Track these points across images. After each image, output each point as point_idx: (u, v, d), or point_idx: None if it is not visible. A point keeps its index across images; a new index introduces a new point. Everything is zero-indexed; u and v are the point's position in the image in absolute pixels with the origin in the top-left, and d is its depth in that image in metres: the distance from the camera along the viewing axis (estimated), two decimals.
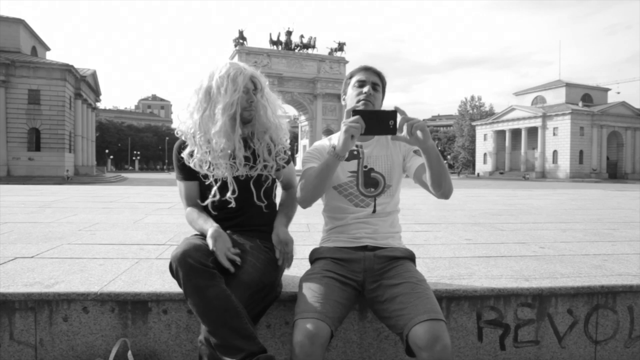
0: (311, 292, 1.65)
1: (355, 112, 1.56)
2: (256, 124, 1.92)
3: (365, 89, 1.82)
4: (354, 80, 1.88)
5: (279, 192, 2.09)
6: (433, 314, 1.53)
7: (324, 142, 1.98)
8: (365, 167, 1.88)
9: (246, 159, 1.88)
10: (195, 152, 1.85)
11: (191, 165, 1.86)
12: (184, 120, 1.88)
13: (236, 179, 1.86)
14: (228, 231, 1.84)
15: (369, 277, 1.77)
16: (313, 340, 1.48)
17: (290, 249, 1.86)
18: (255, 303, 1.69)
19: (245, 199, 1.88)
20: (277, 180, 2.04)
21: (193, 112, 1.84)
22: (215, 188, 1.85)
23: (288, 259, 1.87)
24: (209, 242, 1.68)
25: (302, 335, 1.49)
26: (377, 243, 1.85)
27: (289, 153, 2.03)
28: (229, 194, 1.84)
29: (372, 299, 1.73)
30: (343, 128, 1.57)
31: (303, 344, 1.47)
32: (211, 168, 1.85)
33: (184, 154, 1.88)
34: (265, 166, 1.92)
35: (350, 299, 1.73)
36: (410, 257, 1.88)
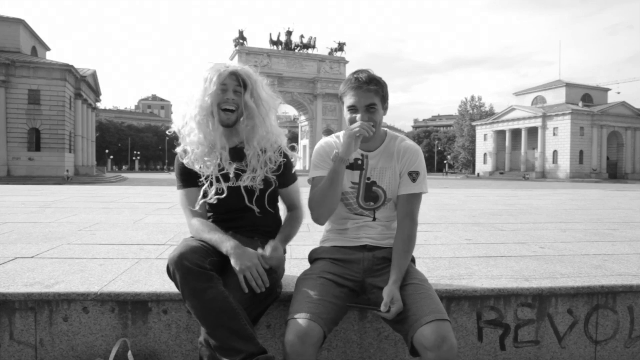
0: (306, 292, 1.65)
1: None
2: (244, 127, 1.83)
3: (358, 117, 1.71)
4: (346, 102, 1.74)
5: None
6: (438, 314, 1.53)
7: (329, 140, 1.88)
8: (368, 179, 1.82)
9: (237, 168, 1.84)
10: (188, 149, 1.85)
11: (184, 162, 1.85)
12: (175, 119, 1.90)
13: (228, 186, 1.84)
14: (230, 232, 1.84)
15: (369, 278, 1.77)
16: (304, 340, 1.47)
17: (254, 273, 1.62)
18: (255, 304, 1.68)
19: (239, 203, 1.86)
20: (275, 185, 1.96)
21: (185, 113, 1.85)
22: (205, 187, 1.83)
23: (254, 281, 1.62)
24: (232, 261, 1.63)
25: (293, 334, 1.49)
26: (376, 243, 1.85)
27: (281, 162, 1.89)
28: (211, 194, 1.81)
29: (374, 300, 1.72)
30: (347, 133, 1.67)
31: (293, 343, 1.47)
32: (201, 166, 1.83)
33: (178, 149, 1.89)
34: (253, 177, 1.83)
35: (346, 300, 1.71)
36: (411, 259, 1.88)
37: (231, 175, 1.83)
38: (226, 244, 1.68)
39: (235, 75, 1.78)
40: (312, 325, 1.50)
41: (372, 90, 1.69)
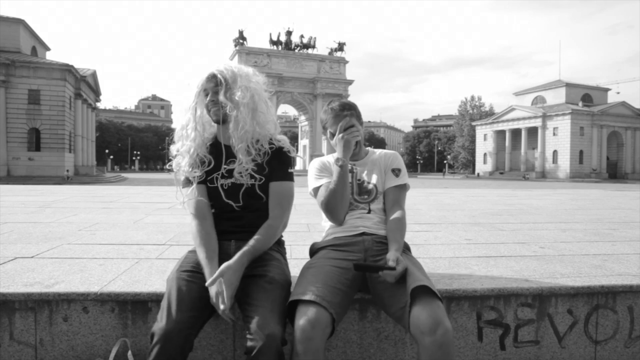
0: (312, 278, 1.71)
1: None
2: (230, 125, 1.83)
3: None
4: (330, 129, 2.03)
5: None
6: (429, 284, 1.63)
7: (322, 159, 2.13)
8: (359, 180, 2.06)
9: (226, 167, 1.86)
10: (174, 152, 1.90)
11: (173, 166, 1.89)
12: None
13: (222, 185, 1.85)
14: (233, 240, 1.83)
15: (370, 258, 1.85)
16: (314, 325, 1.52)
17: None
18: (285, 304, 1.67)
19: (237, 203, 1.85)
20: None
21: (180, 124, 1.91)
22: (193, 187, 1.85)
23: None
24: (210, 292, 1.62)
25: (304, 319, 1.53)
26: (373, 231, 1.97)
27: (267, 150, 1.87)
28: (186, 195, 1.86)
29: (373, 279, 1.79)
30: (342, 140, 1.89)
31: (305, 329, 1.52)
32: (184, 169, 1.86)
33: (173, 164, 1.91)
34: (241, 171, 1.83)
35: (352, 286, 1.77)
36: (407, 247, 2.01)
37: (218, 176, 1.86)
38: (206, 272, 1.68)
39: (214, 78, 1.82)
40: (321, 311, 1.56)
41: (347, 114, 1.99)
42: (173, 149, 1.90)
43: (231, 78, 1.82)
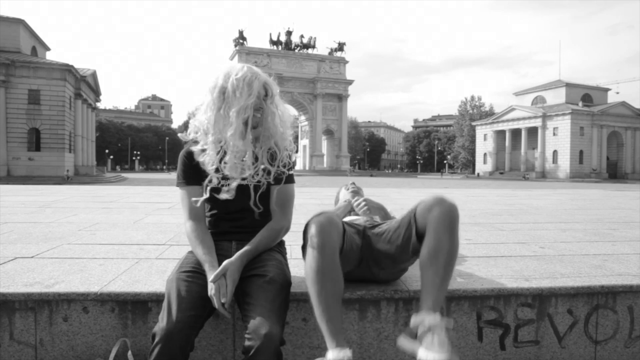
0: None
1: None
2: (262, 129, 1.86)
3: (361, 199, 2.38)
4: (346, 191, 2.70)
5: None
6: None
7: None
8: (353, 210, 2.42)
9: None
10: (208, 149, 1.82)
11: (200, 160, 1.82)
12: (197, 116, 1.86)
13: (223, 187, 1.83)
14: (234, 242, 1.84)
15: (369, 225, 2.02)
16: (330, 222, 1.61)
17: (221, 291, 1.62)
18: (287, 305, 1.68)
19: (244, 202, 1.85)
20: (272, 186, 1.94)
21: (206, 109, 1.81)
22: (213, 184, 1.82)
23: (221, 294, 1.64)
24: (209, 287, 1.62)
25: (317, 220, 1.62)
26: (371, 222, 2.12)
27: (293, 161, 1.96)
28: (225, 195, 1.80)
29: (374, 234, 1.92)
30: (366, 205, 2.28)
31: (322, 223, 1.60)
32: (220, 169, 1.81)
33: (196, 148, 1.84)
34: (264, 171, 1.84)
35: (357, 238, 1.89)
36: None
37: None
38: (206, 268, 1.69)
39: (267, 86, 1.85)
40: (333, 217, 1.66)
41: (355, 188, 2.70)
42: (209, 139, 1.81)
43: (275, 91, 1.88)
